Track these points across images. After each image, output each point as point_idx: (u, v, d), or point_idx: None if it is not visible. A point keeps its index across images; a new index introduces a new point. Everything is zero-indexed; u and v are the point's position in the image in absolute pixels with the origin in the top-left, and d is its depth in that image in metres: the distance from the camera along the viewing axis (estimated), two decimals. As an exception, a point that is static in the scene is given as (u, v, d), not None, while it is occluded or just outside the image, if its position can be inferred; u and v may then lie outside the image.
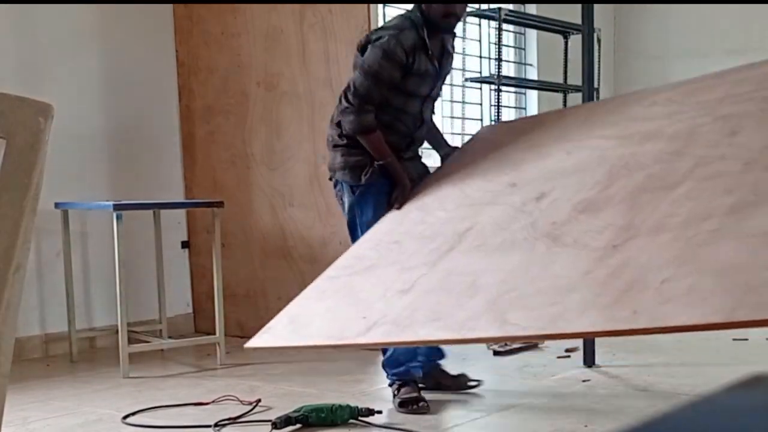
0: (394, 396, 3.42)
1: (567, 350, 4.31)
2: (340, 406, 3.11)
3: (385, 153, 3.43)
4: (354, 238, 3.49)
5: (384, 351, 3.54)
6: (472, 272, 3.00)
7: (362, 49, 3.44)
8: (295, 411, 3.10)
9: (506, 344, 4.40)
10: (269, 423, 3.06)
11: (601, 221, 2.81)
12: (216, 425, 3.14)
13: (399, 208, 3.42)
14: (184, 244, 5.24)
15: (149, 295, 4.96)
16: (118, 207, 4.13)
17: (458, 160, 3.72)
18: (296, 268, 4.76)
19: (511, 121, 3.97)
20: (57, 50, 4.70)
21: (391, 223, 3.52)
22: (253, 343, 3.31)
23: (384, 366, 3.52)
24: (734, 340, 4.58)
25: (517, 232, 3.06)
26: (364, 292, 3.36)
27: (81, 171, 4.78)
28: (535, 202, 3.13)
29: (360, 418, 3.11)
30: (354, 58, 3.51)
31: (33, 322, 4.56)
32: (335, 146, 3.50)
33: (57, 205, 4.49)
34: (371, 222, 3.40)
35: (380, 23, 4.77)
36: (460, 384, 3.68)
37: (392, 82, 3.38)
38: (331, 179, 3.59)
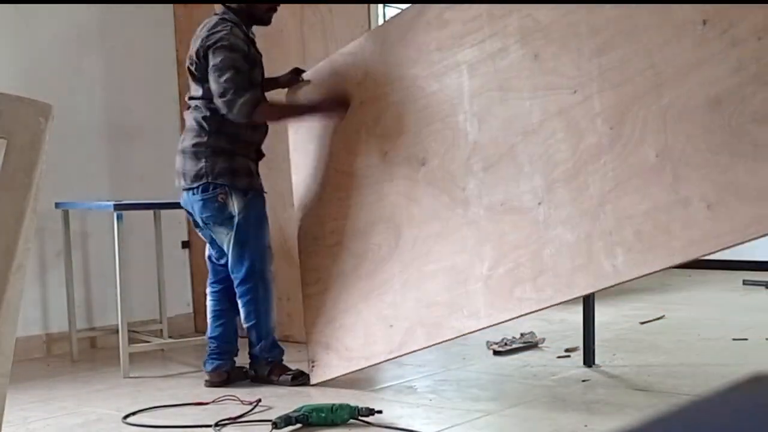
0: (270, 374, 3.79)
1: (567, 350, 4.31)
2: (340, 405, 3.11)
3: (285, 111, 3.82)
4: (245, 239, 3.74)
5: (259, 339, 3.82)
6: (442, 258, 3.34)
7: (204, 57, 3.65)
8: (295, 411, 3.10)
9: (506, 344, 4.40)
10: (269, 423, 3.06)
11: (500, 178, 3.17)
12: (216, 425, 3.14)
13: (345, 112, 3.70)
14: (185, 244, 5.24)
15: (149, 295, 4.96)
16: (118, 207, 4.13)
17: (299, 135, 4.02)
18: (296, 268, 4.76)
19: (318, 70, 4.05)
20: (57, 50, 4.70)
21: (324, 217, 3.86)
22: (315, 379, 3.76)
23: (262, 351, 3.82)
24: (734, 340, 4.58)
25: (439, 206, 3.38)
26: (363, 301, 3.59)
27: (81, 171, 4.78)
28: (425, 168, 3.44)
29: (360, 417, 3.11)
30: (194, 69, 3.72)
31: (34, 321, 4.56)
32: (215, 152, 3.69)
33: (57, 205, 4.49)
34: (261, 224, 3.78)
35: (380, 23, 4.77)
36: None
37: (246, 71, 3.64)
38: (196, 186, 3.73)
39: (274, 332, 3.86)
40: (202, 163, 3.72)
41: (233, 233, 3.74)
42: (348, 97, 3.73)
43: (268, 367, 3.83)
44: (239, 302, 3.82)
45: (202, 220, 3.78)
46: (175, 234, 5.15)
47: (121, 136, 4.98)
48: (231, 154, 3.72)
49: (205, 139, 3.72)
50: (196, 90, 3.75)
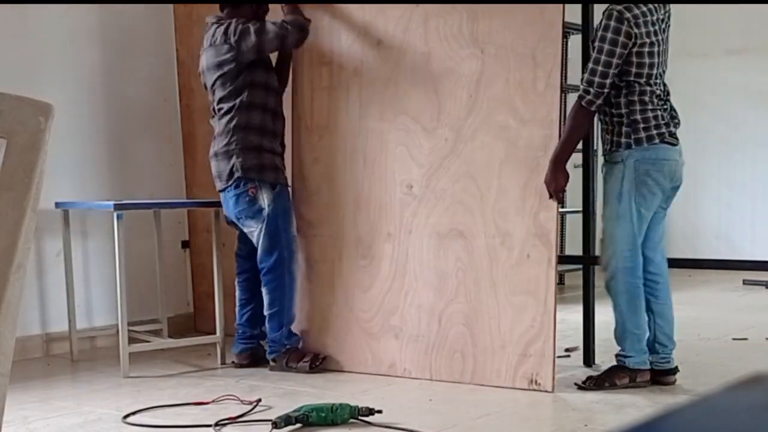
0: (284, 361, 3.99)
1: (567, 350, 4.31)
2: (340, 405, 3.11)
3: (301, 16, 4.02)
4: (275, 231, 3.99)
5: (280, 326, 4.03)
6: None
7: (235, 50, 3.94)
8: (295, 410, 3.10)
9: (506, 344, 4.39)
10: (269, 422, 3.06)
11: None
12: (216, 425, 3.14)
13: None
14: (184, 244, 5.23)
15: (149, 295, 4.95)
16: (118, 207, 4.12)
17: None
18: (296, 267, 4.76)
19: None
20: (57, 50, 4.70)
21: None
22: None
23: (282, 338, 4.02)
24: (734, 339, 4.58)
25: None
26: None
27: (81, 171, 4.78)
28: None
29: (360, 417, 3.12)
30: (223, 72, 3.99)
31: (33, 321, 4.56)
32: (244, 150, 3.99)
33: (57, 204, 4.49)
34: (288, 216, 4.05)
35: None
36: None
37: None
38: (230, 185, 4.03)
39: (294, 320, 4.07)
40: (233, 161, 4.01)
41: (263, 225, 4.00)
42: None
43: (286, 354, 4.01)
44: (264, 290, 4.06)
45: (236, 215, 4.07)
46: (175, 234, 5.15)
47: (121, 136, 4.98)
48: (259, 150, 4.01)
49: (234, 137, 4.00)
50: (222, 92, 4.00)
